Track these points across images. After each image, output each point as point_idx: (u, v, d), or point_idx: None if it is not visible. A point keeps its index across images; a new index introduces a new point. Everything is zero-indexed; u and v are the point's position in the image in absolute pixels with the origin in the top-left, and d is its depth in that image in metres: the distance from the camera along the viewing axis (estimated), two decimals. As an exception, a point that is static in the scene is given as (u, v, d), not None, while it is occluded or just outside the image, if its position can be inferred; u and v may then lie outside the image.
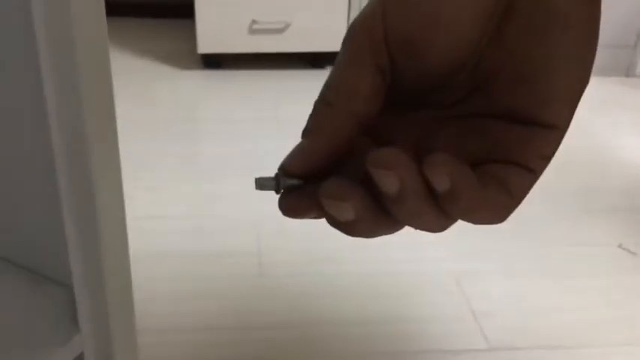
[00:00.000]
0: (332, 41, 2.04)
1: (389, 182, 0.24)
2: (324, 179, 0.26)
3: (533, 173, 0.26)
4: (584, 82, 0.25)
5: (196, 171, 1.44)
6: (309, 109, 0.28)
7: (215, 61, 2.08)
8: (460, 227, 1.28)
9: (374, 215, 0.25)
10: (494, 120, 0.26)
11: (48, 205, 0.48)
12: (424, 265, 1.13)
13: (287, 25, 2.00)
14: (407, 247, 1.18)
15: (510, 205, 0.25)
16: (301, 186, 0.28)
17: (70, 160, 0.43)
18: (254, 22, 1.98)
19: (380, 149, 0.24)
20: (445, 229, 0.26)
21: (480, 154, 0.26)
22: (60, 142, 0.42)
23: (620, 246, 1.20)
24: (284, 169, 0.28)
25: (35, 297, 0.51)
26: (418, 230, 0.26)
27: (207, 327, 0.97)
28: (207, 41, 1.99)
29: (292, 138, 1.60)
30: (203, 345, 0.93)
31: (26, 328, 0.48)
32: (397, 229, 0.27)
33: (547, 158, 0.26)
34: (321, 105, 0.28)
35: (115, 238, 0.48)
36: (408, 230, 1.10)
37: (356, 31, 0.27)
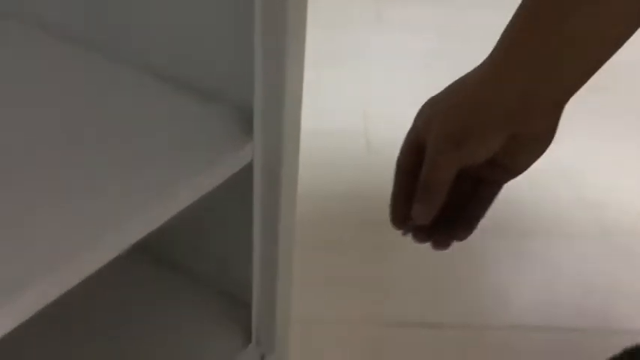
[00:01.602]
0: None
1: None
2: None
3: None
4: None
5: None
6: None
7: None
8: (574, 122, 1.25)
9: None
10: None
11: (234, 30, 0.51)
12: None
13: None
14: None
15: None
16: None
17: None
18: None
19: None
20: None
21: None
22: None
23: None
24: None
25: (212, 114, 0.55)
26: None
27: (319, 192, 1.01)
28: None
29: (394, 36, 1.59)
30: (314, 207, 0.98)
31: (206, 137, 0.52)
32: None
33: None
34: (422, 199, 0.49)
35: (295, 68, 0.50)
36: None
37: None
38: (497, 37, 0.43)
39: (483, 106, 0.44)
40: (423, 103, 0.49)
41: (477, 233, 0.94)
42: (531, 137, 0.45)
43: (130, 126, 0.52)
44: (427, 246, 0.95)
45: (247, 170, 0.54)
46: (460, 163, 0.45)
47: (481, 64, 0.45)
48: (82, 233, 0.42)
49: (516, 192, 1.08)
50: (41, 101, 0.54)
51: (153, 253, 0.74)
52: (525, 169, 0.48)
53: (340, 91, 1.31)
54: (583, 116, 1.24)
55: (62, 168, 0.47)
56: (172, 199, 0.47)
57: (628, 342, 0.52)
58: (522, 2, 0.43)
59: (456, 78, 0.47)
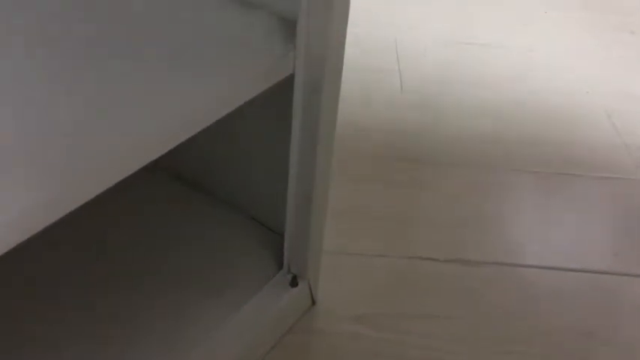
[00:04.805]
0: None
1: None
2: None
3: None
4: None
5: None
6: None
7: None
8: (611, 66, 1.19)
9: None
10: None
11: None
12: (573, 97, 1.08)
13: None
14: (554, 77, 1.13)
15: None
16: None
17: None
18: None
19: None
20: None
21: None
22: None
23: None
24: None
25: (254, 22, 0.51)
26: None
27: (356, 126, 0.97)
28: None
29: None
30: (352, 139, 0.94)
31: (247, 45, 0.48)
32: None
33: None
34: None
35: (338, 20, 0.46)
36: (554, 63, 1.02)
37: None
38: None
39: None
40: None
41: (507, 172, 0.88)
42: None
43: (165, 29, 0.48)
44: (456, 184, 0.94)
45: (288, 83, 0.51)
46: None
47: None
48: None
49: (547, 132, 1.04)
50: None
51: (187, 178, 0.71)
52: None
53: (370, 25, 1.25)
54: None
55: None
56: (207, 108, 0.44)
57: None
58: None
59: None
